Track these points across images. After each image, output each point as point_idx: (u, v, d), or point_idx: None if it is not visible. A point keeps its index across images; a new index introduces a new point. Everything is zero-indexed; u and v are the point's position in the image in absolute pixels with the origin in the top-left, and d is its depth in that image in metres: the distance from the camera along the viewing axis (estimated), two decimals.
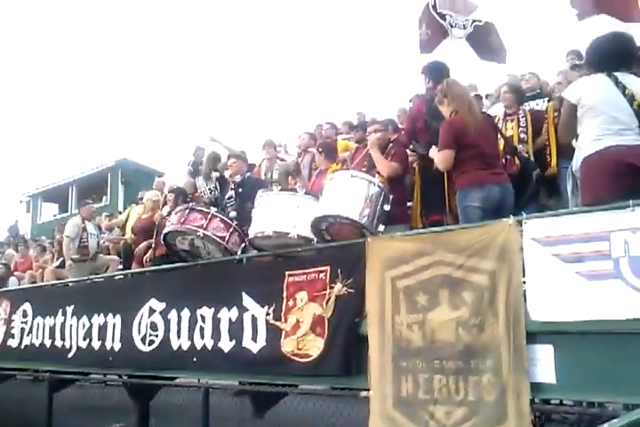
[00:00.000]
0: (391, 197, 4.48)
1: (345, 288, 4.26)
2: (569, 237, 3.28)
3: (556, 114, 5.65)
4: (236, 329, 5.03)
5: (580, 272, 3.22)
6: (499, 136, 5.06)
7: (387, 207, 4.41)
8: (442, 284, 3.75)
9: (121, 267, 8.44)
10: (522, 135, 5.77)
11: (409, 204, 5.29)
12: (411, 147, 5.42)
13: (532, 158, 5.62)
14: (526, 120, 5.87)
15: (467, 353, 3.56)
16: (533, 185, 5.06)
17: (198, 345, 5.34)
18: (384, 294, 4.00)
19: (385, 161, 4.97)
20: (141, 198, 9.55)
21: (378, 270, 4.07)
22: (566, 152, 4.89)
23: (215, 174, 6.54)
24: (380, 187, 4.43)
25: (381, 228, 4.34)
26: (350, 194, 4.35)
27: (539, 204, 5.40)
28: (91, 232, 8.29)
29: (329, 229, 4.55)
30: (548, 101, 6.26)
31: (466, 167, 4.47)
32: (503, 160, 5.00)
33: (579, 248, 3.24)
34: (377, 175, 4.78)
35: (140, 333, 5.97)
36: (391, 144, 5.20)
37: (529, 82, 6.79)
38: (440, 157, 4.54)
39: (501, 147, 5.12)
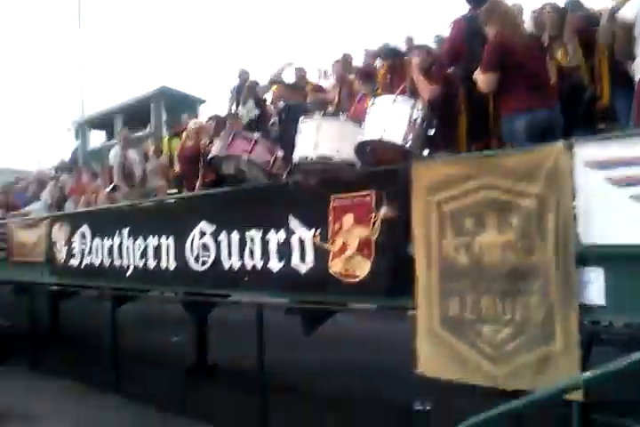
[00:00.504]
0: (435, 121, 4.38)
1: (390, 212, 4.30)
2: (622, 160, 3.17)
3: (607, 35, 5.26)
4: (284, 250, 5.18)
5: (634, 196, 3.15)
6: (547, 57, 4.81)
7: (430, 132, 4.32)
8: (488, 208, 3.73)
9: (169, 192, 8.57)
10: (571, 57, 5.41)
11: (454, 128, 5.17)
12: (452, 69, 5.21)
13: (583, 81, 5.33)
14: (575, 42, 5.47)
15: (514, 275, 3.60)
16: (584, 108, 4.85)
17: (248, 265, 5.54)
18: (430, 217, 4.02)
19: (426, 84, 4.80)
20: (183, 130, 9.53)
21: (423, 194, 4.07)
22: (619, 75, 4.64)
23: (255, 101, 6.42)
24: (423, 111, 4.32)
25: (425, 152, 4.28)
26: (393, 118, 4.25)
27: (591, 127, 5.18)
28: (132, 159, 8.37)
29: (372, 154, 4.51)
30: (599, 22, 5.79)
31: (511, 90, 4.28)
32: (552, 82, 4.77)
33: (632, 172, 3.14)
34: (420, 99, 4.62)
35: (192, 253, 6.21)
36: (433, 67, 4.98)
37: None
38: (483, 80, 4.34)
39: (550, 69, 4.86)
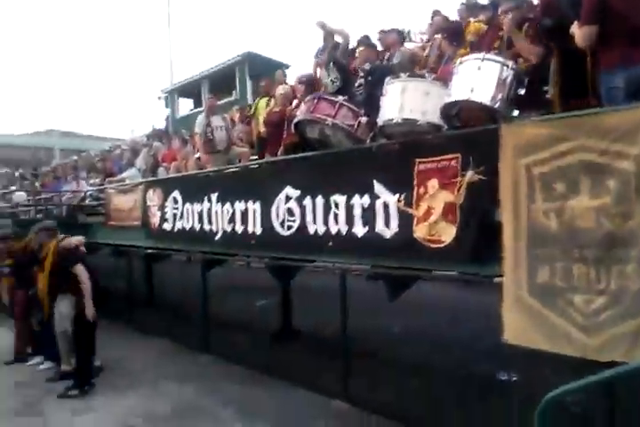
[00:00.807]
0: (526, 80, 4.16)
1: (477, 176, 4.17)
2: None
3: None
4: (368, 215, 5.17)
5: None
6: None
7: (521, 91, 4.12)
8: (582, 170, 3.54)
9: (252, 158, 8.69)
10: None
11: (546, 87, 4.90)
12: (546, 22, 4.89)
13: None
14: None
15: (609, 242, 3.41)
16: None
17: (333, 230, 5.58)
18: (518, 181, 3.87)
19: (528, 45, 4.51)
20: (265, 91, 9.56)
21: (512, 157, 3.91)
22: None
23: (337, 64, 6.29)
24: (514, 69, 4.11)
25: (515, 113, 4.09)
26: (482, 78, 4.09)
27: None
28: (216, 125, 8.40)
29: (459, 116, 4.37)
30: None
31: (611, 44, 3.96)
32: None
33: None
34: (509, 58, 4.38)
35: (278, 218, 6.32)
36: (527, 24, 4.70)
37: None
38: (582, 33, 4.02)
39: None
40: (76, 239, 6.89)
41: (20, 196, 15.24)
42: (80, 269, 6.26)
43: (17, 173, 20.59)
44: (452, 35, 5.59)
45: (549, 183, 3.70)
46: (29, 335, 7.90)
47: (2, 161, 25.16)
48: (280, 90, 7.74)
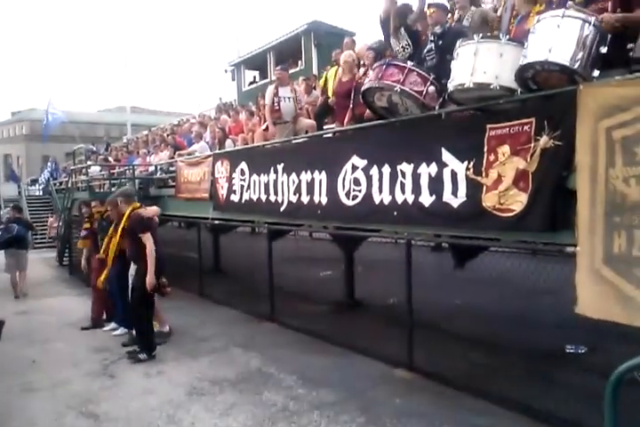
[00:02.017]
0: (609, 37, 3.91)
1: (552, 141, 4.01)
2: None
3: None
4: (435, 184, 5.09)
5: None
6: None
7: (603, 50, 3.87)
8: None
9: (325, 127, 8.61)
10: None
11: (631, 44, 4.60)
12: None
13: None
14: None
15: None
16: None
17: (399, 200, 5.52)
18: (597, 145, 3.70)
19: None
20: (335, 61, 9.42)
21: (590, 120, 3.73)
22: None
23: (406, 29, 6.07)
24: (596, 26, 3.86)
25: (596, 73, 3.86)
26: (561, 36, 3.86)
27: None
28: (284, 96, 8.34)
29: (535, 78, 4.16)
30: None
31: None
32: None
33: None
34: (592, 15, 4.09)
35: (344, 188, 6.31)
36: None
37: None
38: None
39: None
40: (153, 210, 7.08)
41: (95, 170, 15.86)
42: (147, 237, 6.42)
43: (91, 149, 21.38)
44: None
45: (631, 147, 3.52)
46: (105, 302, 8.25)
47: (78, 137, 26.19)
48: (345, 57, 7.58)
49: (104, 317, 8.40)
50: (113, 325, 8.05)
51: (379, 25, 6.73)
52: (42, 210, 23.29)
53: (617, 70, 3.94)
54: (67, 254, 15.16)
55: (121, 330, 7.78)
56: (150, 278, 6.31)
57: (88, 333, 7.97)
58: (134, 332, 6.95)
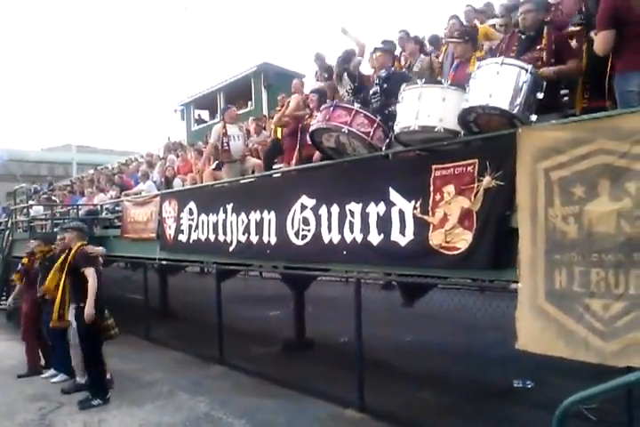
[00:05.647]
0: (544, 84, 4.14)
1: (494, 181, 4.16)
2: None
3: None
4: (384, 223, 5.16)
5: None
6: None
7: (539, 95, 4.10)
8: (602, 174, 3.52)
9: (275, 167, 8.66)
10: None
11: (563, 91, 4.87)
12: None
13: None
14: None
15: (629, 246, 3.38)
16: None
17: (348, 239, 5.56)
18: (536, 185, 3.86)
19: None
20: (282, 105, 9.56)
21: (529, 162, 3.90)
22: None
23: (348, 73, 6.20)
24: (532, 73, 4.10)
25: (533, 117, 4.07)
26: (500, 82, 4.08)
27: None
28: (233, 135, 8.38)
29: (477, 121, 4.36)
30: None
31: (626, 48, 3.97)
32: None
33: None
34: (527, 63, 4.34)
35: (293, 227, 6.32)
36: (545, 27, 4.68)
37: None
38: (599, 39, 4.06)
39: None
40: (98, 250, 6.88)
41: (38, 210, 15.41)
42: (91, 272, 6.21)
43: (34, 188, 20.85)
44: (470, 37, 5.52)
45: (568, 187, 3.68)
46: (38, 349, 7.86)
47: (19, 176, 25.54)
48: (290, 99, 7.70)
49: (42, 362, 8.00)
50: (52, 371, 7.62)
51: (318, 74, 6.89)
52: None
53: (552, 115, 4.17)
54: (4, 297, 14.50)
55: (60, 376, 7.39)
56: (89, 310, 6.02)
57: (24, 380, 7.53)
58: (86, 376, 6.63)
